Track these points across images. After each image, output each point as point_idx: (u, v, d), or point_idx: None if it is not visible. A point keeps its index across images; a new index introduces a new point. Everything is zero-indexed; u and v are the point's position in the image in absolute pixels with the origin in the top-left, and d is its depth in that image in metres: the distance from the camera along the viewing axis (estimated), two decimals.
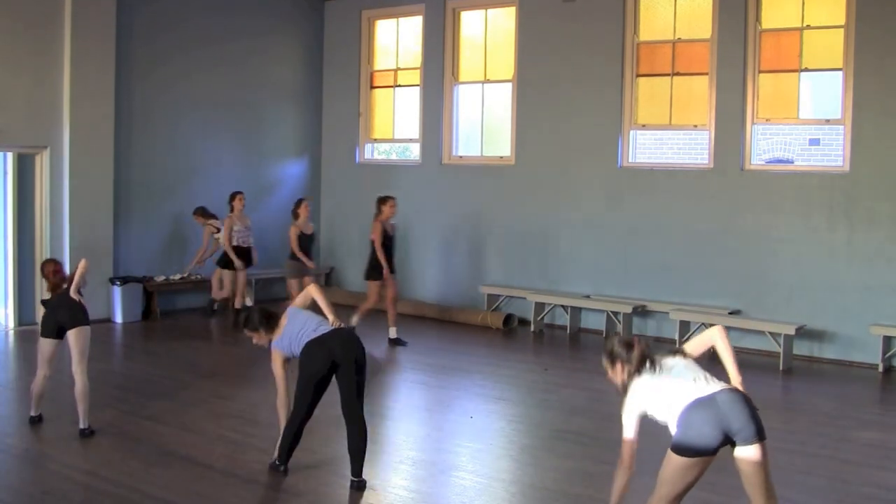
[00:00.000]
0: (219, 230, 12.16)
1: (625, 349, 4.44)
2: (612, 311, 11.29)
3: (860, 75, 10.01)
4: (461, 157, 13.34)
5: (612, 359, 4.48)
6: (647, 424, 4.42)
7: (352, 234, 14.01)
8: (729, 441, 4.17)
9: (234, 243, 11.56)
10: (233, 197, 11.74)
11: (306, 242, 11.10)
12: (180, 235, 12.65)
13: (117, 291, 11.55)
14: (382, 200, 10.63)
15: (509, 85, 12.73)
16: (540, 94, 12.28)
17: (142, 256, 12.23)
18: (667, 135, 11.95)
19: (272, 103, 13.93)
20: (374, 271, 10.60)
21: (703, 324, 10.62)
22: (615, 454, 6.74)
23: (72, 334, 6.76)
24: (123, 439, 6.75)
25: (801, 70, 10.53)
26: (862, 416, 8.00)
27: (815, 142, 12.16)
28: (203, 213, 12.26)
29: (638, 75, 11.62)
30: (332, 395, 8.04)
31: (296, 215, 11.14)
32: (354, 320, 10.34)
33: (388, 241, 10.63)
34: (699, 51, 11.16)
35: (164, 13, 12.37)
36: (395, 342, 10.57)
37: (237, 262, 11.54)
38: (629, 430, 4.40)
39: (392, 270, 10.62)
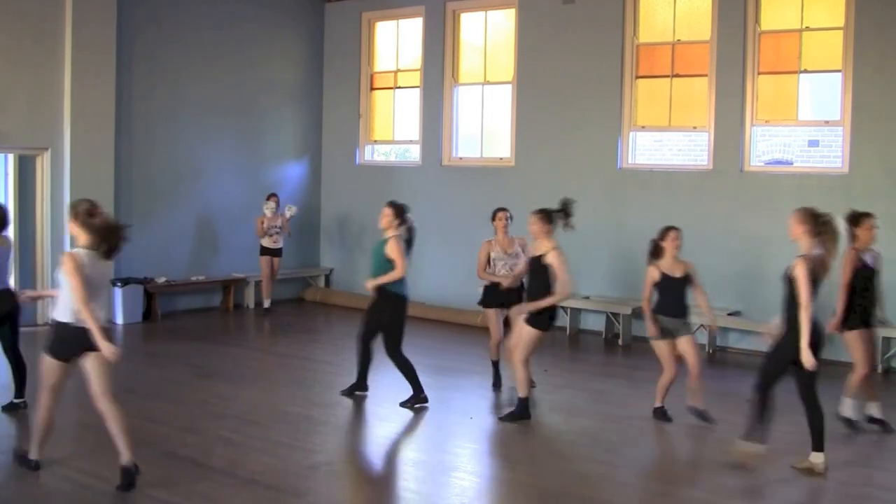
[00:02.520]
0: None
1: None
2: (611, 313, 11.30)
3: (859, 77, 10.02)
4: (461, 158, 13.35)
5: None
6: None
7: (352, 235, 14.05)
8: None
9: (489, 276, 8.58)
10: (493, 215, 8.79)
11: (676, 291, 7.52)
12: (181, 236, 12.66)
13: (118, 293, 11.55)
14: (855, 220, 7.18)
15: (509, 86, 12.74)
16: (540, 96, 12.28)
17: (143, 258, 12.21)
18: (666, 136, 11.93)
19: (272, 105, 13.94)
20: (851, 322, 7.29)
21: (702, 325, 10.62)
22: (615, 454, 6.79)
23: None
24: None
25: (801, 72, 10.55)
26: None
27: (814, 143, 12.13)
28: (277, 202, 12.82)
29: (637, 77, 11.63)
30: (331, 396, 8.05)
31: (658, 251, 7.49)
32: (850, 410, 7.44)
33: (866, 283, 7.20)
34: (699, 52, 11.17)
35: (165, 15, 12.38)
36: (885, 426, 7.33)
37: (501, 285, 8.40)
38: None
39: (873, 323, 7.33)
